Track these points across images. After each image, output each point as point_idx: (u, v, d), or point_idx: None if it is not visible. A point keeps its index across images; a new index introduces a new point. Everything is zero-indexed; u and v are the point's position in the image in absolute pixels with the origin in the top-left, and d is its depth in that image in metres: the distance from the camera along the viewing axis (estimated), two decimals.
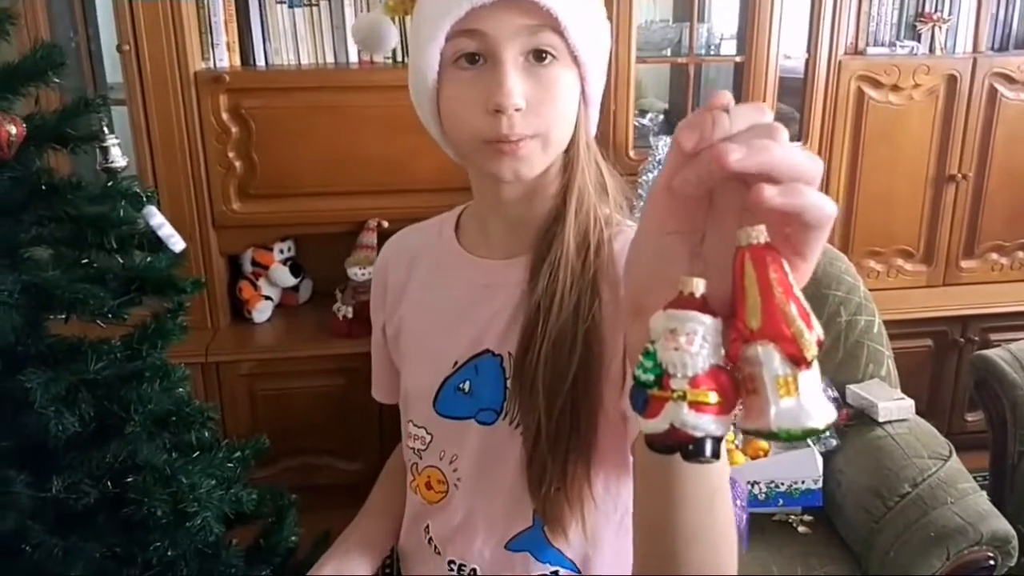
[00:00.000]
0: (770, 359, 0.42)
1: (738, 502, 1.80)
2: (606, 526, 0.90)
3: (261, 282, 2.65)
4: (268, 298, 2.64)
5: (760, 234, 0.44)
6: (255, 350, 2.50)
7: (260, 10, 2.49)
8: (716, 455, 0.43)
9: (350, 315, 2.49)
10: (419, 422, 0.98)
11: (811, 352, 0.42)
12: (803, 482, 1.95)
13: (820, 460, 1.98)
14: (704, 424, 0.43)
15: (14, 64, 1.36)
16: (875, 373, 2.13)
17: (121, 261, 1.52)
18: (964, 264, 2.93)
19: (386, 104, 2.40)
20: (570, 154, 0.86)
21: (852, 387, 2.09)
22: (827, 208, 0.44)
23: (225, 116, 2.39)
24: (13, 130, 1.31)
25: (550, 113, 0.79)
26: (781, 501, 1.97)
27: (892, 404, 2.03)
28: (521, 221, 0.88)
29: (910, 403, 2.05)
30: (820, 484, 1.96)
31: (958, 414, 2.90)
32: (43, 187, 1.36)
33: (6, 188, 1.35)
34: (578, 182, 0.86)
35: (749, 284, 0.43)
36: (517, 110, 0.77)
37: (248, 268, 2.67)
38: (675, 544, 0.62)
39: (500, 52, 0.76)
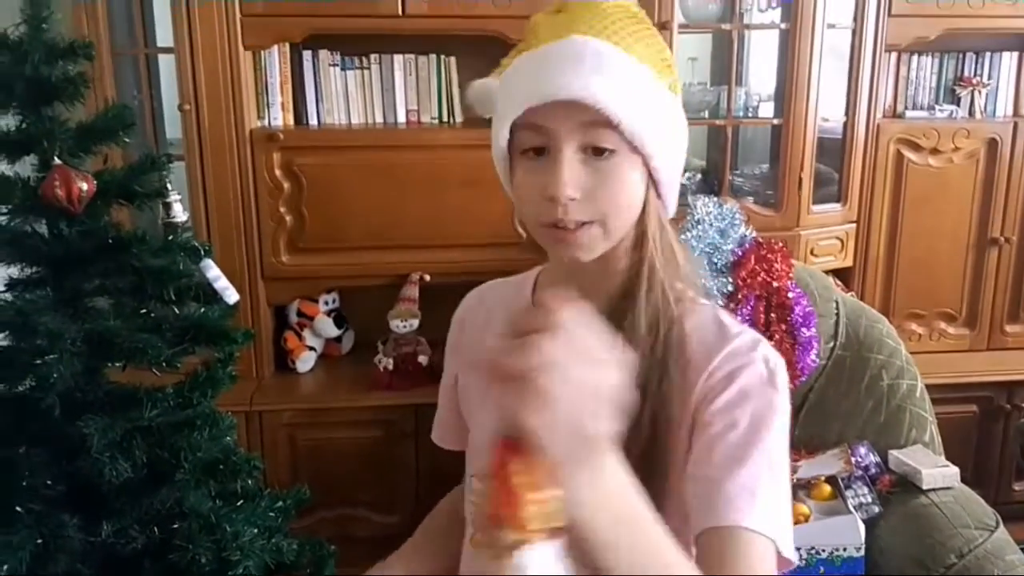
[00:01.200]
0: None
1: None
2: None
3: (306, 333, 2.69)
4: (312, 348, 2.69)
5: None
6: (298, 400, 2.53)
7: (314, 72, 2.59)
8: None
9: (391, 367, 2.52)
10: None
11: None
12: (845, 549, 1.92)
13: (863, 527, 1.94)
14: None
15: (87, 124, 1.45)
16: (918, 439, 2.10)
17: (177, 312, 1.59)
18: (1009, 328, 2.89)
19: (432, 162, 2.47)
20: (641, 232, 0.88)
21: (895, 453, 2.06)
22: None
23: (278, 172, 2.47)
24: (84, 187, 1.39)
25: (607, 201, 0.83)
26: (823, 569, 1.93)
27: (936, 471, 1.99)
28: (593, 290, 0.86)
29: (955, 471, 2.01)
30: (862, 552, 1.93)
31: (1005, 482, 2.82)
32: (110, 240, 1.43)
33: (75, 241, 1.42)
34: (648, 261, 0.88)
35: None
36: (572, 199, 0.82)
37: (294, 318, 2.73)
38: None
39: (559, 146, 0.82)
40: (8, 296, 1.45)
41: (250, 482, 1.66)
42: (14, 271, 1.50)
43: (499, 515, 0.54)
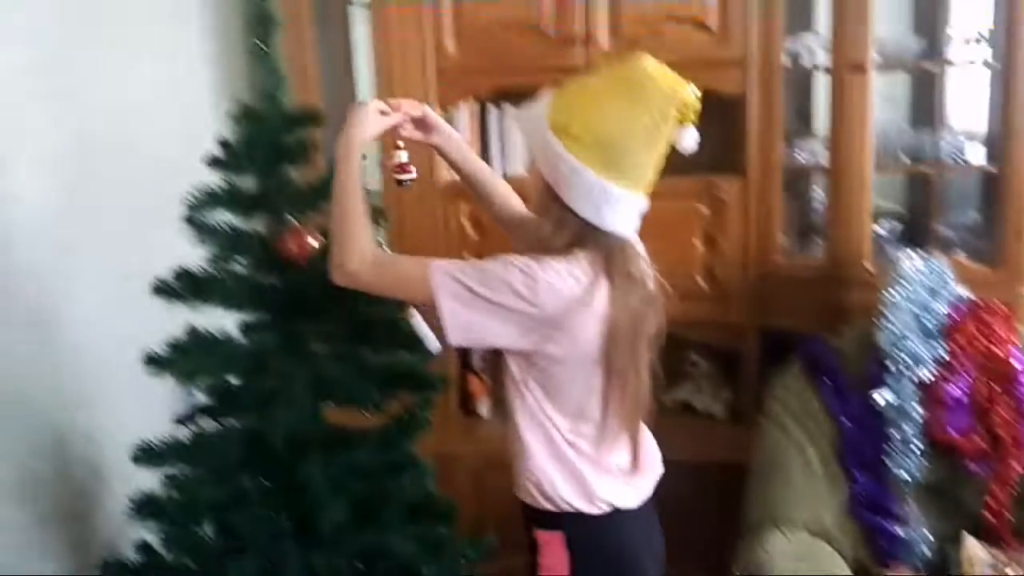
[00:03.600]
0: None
1: None
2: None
3: (487, 379, 2.75)
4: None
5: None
6: (481, 443, 2.58)
7: (499, 126, 2.68)
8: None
9: None
10: None
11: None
12: None
13: None
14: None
15: (314, 184, 1.58)
16: None
17: (385, 358, 1.68)
18: None
19: None
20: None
21: None
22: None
23: (466, 223, 2.56)
24: (315, 243, 1.51)
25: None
26: None
27: None
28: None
29: None
30: None
31: None
32: (334, 291, 1.54)
33: (302, 291, 1.54)
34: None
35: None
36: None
37: (477, 363, 2.79)
38: None
39: None
40: (242, 339, 1.59)
41: (444, 528, 1.71)
42: (246, 315, 1.64)
43: None
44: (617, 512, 1.39)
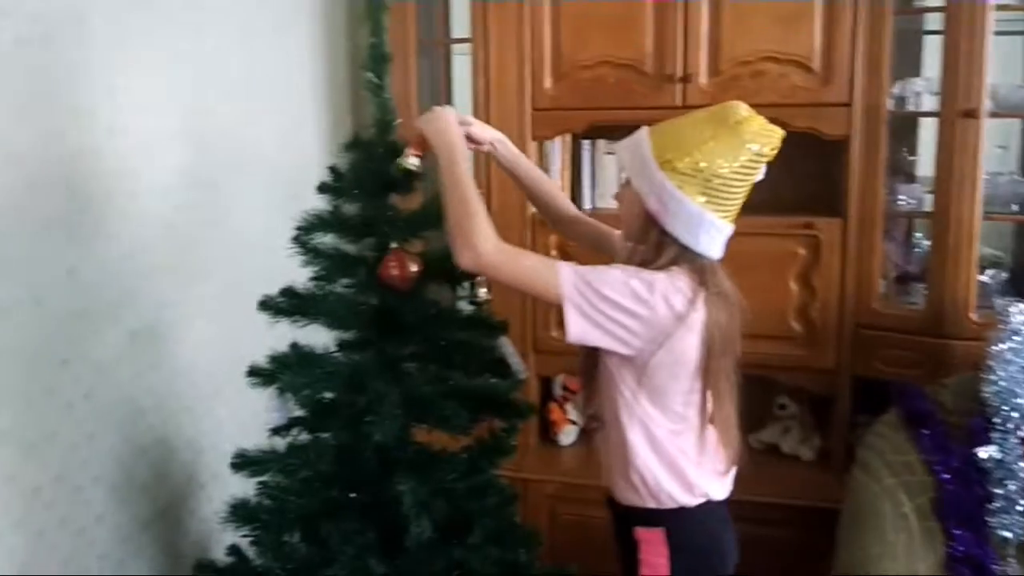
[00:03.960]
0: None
1: None
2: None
3: (568, 407, 2.78)
4: (574, 423, 2.76)
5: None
6: (561, 472, 2.60)
7: (591, 160, 2.74)
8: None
9: None
10: None
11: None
12: None
13: None
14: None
15: (417, 213, 1.64)
16: None
17: (474, 382, 1.72)
18: None
19: None
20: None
21: None
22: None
23: (554, 253, 2.59)
24: (414, 268, 1.56)
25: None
26: None
27: None
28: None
29: None
30: None
31: None
32: (429, 316, 1.59)
33: (401, 314, 1.60)
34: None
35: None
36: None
37: (558, 392, 2.83)
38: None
39: None
40: (340, 356, 1.65)
41: (524, 553, 1.72)
42: (345, 334, 1.71)
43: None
44: (709, 503, 1.51)
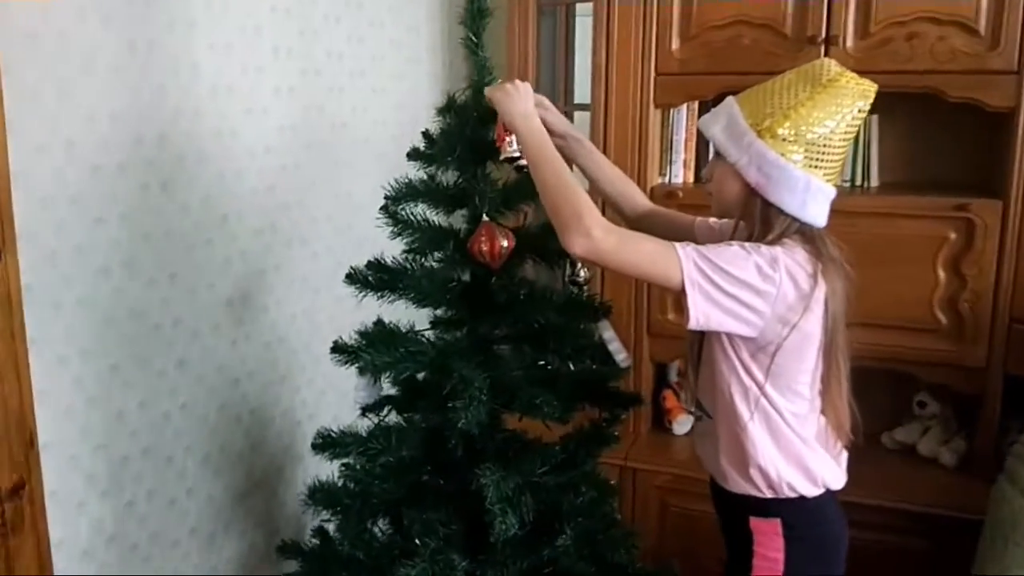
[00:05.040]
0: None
1: None
2: None
3: (684, 394, 2.61)
4: (690, 412, 2.59)
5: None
6: (673, 463, 2.46)
7: None
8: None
9: None
10: None
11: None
12: None
13: None
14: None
15: (512, 184, 1.52)
16: None
17: (572, 368, 1.59)
18: None
19: (841, 230, 2.23)
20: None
21: None
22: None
23: None
24: (505, 244, 1.44)
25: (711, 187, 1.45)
26: None
27: None
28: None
29: None
30: None
31: None
32: (521, 296, 1.48)
33: (492, 292, 1.49)
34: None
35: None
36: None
37: (674, 378, 2.67)
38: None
39: None
40: (430, 334, 1.56)
41: (624, 554, 1.60)
42: (436, 311, 1.62)
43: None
44: (828, 492, 1.43)
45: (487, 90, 1.43)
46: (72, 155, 1.46)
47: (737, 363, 1.35)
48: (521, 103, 1.38)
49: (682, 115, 2.50)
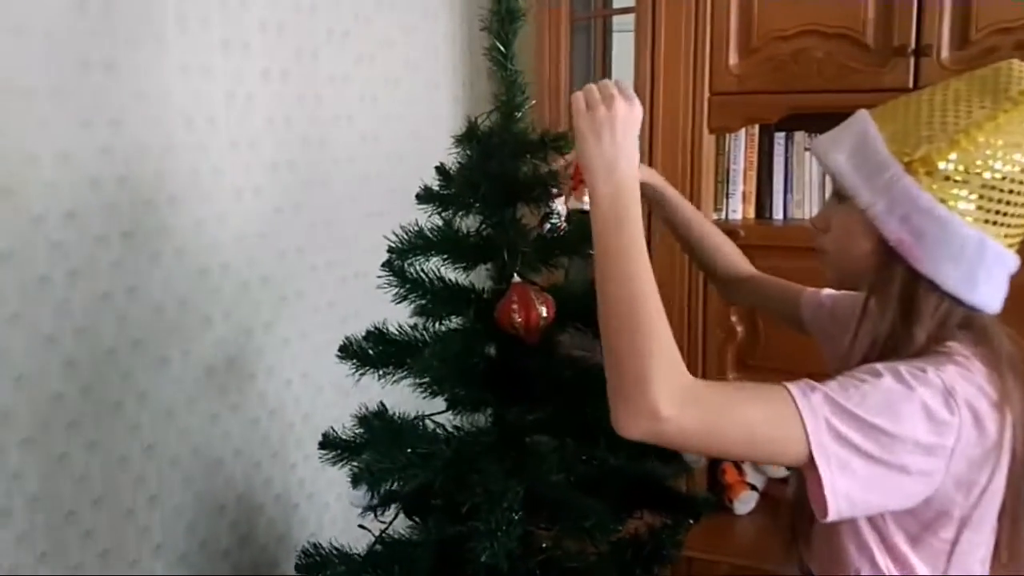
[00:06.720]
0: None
1: None
2: None
3: (746, 467, 2.28)
4: (753, 488, 2.26)
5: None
6: (735, 551, 2.13)
7: (785, 158, 2.24)
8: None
9: None
10: None
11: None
12: None
13: None
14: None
15: (553, 234, 1.20)
16: None
17: (625, 465, 1.26)
18: None
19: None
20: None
21: None
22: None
23: (733, 316, 2.15)
24: (545, 312, 1.11)
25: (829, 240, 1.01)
26: None
27: None
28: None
29: None
30: None
31: None
32: (565, 375, 1.15)
33: (526, 374, 1.16)
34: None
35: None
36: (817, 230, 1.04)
37: None
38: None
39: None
40: (446, 420, 1.24)
41: None
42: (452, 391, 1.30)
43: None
44: None
45: (574, 96, 0.93)
46: (8, 204, 1.21)
47: (877, 550, 0.94)
48: (611, 149, 0.89)
49: (740, 141, 2.23)
